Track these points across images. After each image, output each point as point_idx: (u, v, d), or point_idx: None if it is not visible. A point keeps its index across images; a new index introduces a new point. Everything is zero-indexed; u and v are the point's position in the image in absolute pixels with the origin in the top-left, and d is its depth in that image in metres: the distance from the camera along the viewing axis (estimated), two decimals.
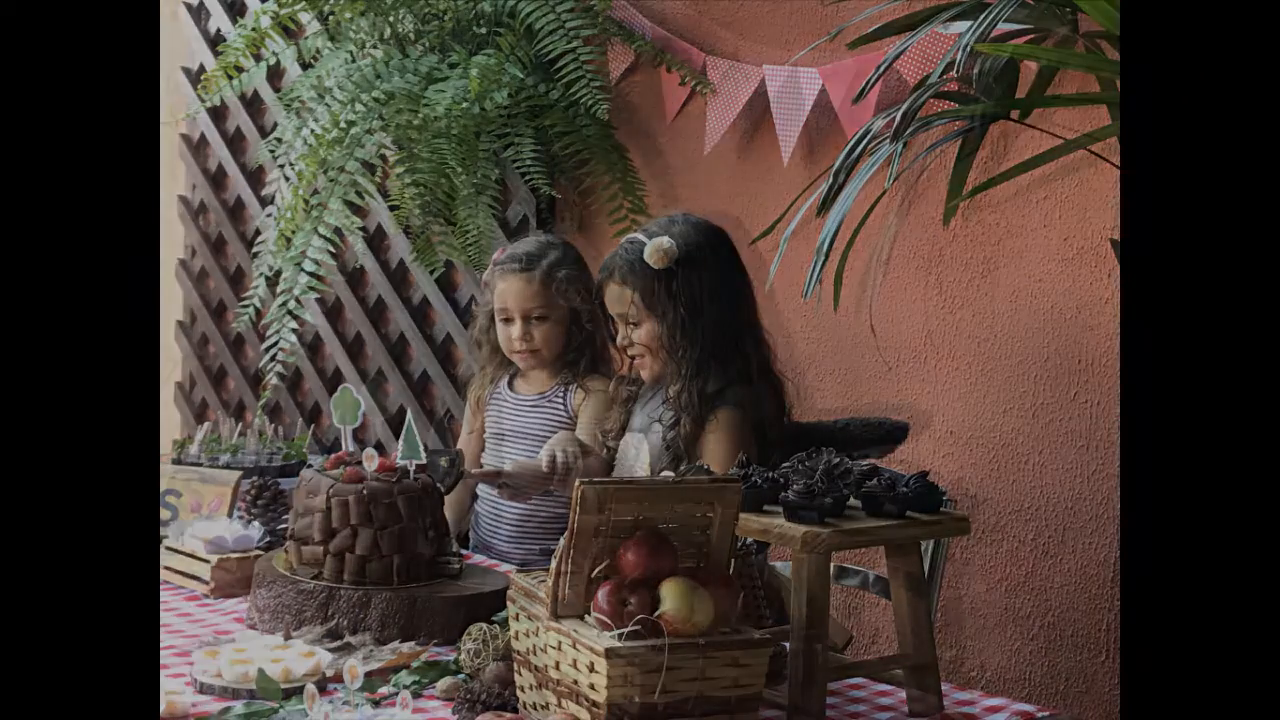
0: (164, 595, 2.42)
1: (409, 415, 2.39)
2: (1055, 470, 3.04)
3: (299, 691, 1.88)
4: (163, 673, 2.01)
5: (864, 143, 1.88)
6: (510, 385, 3.07)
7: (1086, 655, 3.01)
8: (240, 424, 3.12)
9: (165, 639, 2.18)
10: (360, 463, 2.27)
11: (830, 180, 1.88)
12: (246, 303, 3.69)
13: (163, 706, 1.83)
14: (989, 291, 3.13)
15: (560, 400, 2.98)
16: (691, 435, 2.55)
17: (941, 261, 3.19)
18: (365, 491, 2.21)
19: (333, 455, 2.33)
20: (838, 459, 1.98)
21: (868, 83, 2.07)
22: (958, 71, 1.93)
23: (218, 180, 4.86)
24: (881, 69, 2.07)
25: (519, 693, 1.87)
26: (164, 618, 2.30)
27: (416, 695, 1.95)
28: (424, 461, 2.31)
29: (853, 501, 1.96)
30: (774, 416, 2.59)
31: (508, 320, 2.93)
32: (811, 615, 1.84)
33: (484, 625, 2.03)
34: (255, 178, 4.68)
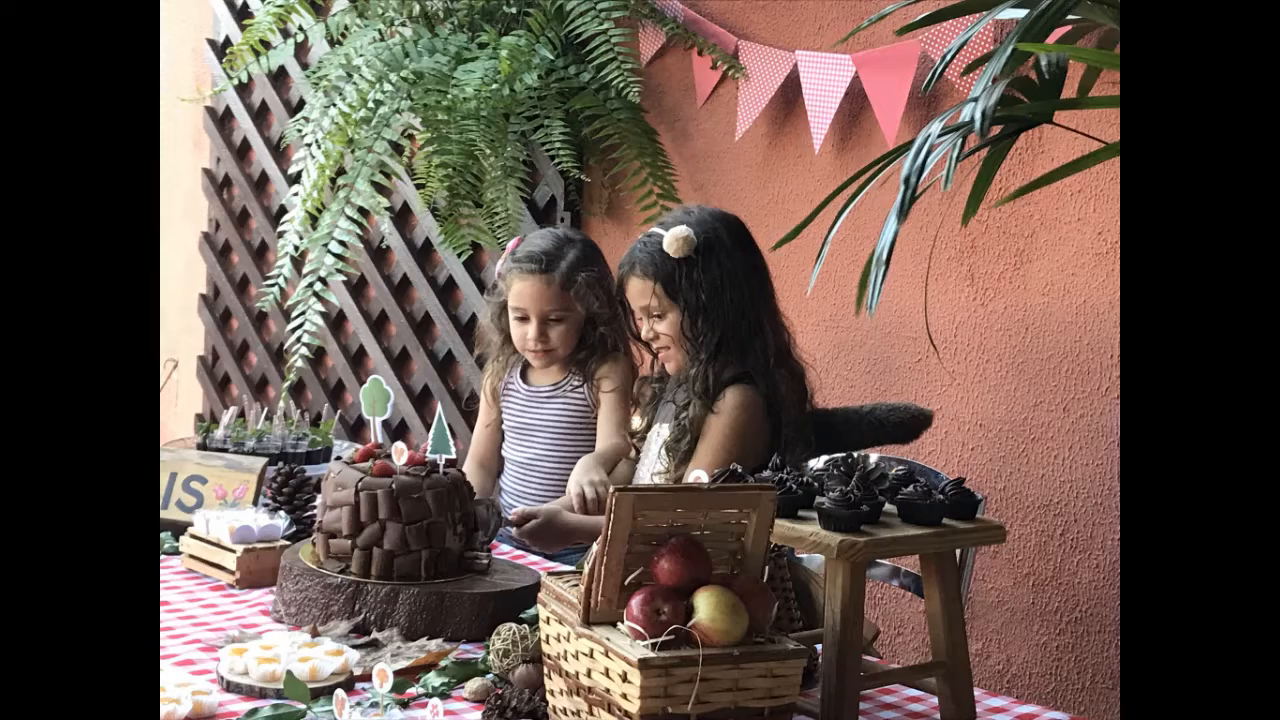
0: (188, 585, 2.41)
1: (439, 410, 2.37)
2: (1086, 465, 3.01)
3: (327, 691, 1.87)
4: (188, 669, 2.00)
5: (927, 146, 1.84)
6: (523, 376, 3.07)
7: (1114, 651, 2.98)
8: (264, 408, 3.11)
9: (190, 632, 2.17)
10: (389, 456, 2.25)
11: (903, 187, 1.84)
12: (272, 281, 3.67)
13: (189, 705, 1.81)
14: (1022, 284, 3.09)
15: (577, 392, 2.98)
16: (701, 416, 2.54)
17: (974, 253, 3.15)
18: (394, 486, 2.19)
19: (362, 448, 2.31)
20: (874, 465, 1.96)
21: (935, 72, 2.03)
22: (1012, 67, 1.88)
23: (242, 153, 4.84)
24: (949, 56, 2.03)
25: (549, 697, 1.85)
26: (189, 609, 2.28)
27: (445, 696, 1.93)
28: (454, 456, 2.29)
29: (888, 506, 1.94)
30: (793, 402, 2.58)
31: (523, 319, 2.93)
32: (845, 624, 1.82)
33: (513, 625, 2.01)
34: (280, 151, 4.66)
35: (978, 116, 1.71)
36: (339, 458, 2.32)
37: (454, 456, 2.29)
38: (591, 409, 2.96)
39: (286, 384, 3.70)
